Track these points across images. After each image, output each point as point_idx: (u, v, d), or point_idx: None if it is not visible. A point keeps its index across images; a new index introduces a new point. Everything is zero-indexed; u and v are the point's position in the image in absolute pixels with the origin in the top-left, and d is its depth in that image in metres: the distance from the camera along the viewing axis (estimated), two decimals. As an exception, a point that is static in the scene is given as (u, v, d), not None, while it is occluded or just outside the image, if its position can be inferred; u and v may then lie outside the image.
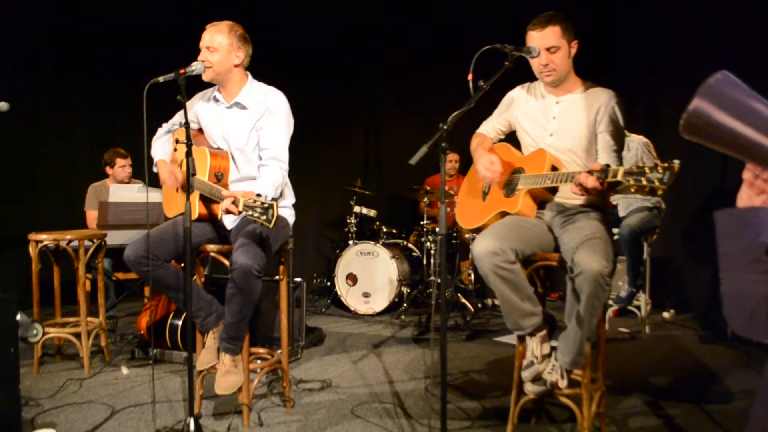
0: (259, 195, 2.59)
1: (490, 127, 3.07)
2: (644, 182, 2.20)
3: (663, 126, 4.95)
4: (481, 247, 2.52)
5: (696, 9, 5.38)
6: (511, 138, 3.05)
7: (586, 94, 2.76)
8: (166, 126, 3.32)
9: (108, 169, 5.22)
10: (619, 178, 2.28)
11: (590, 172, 2.38)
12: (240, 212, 2.61)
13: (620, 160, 2.67)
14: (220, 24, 3.05)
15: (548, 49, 2.67)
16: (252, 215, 2.54)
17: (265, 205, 2.52)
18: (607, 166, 2.35)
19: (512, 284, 2.54)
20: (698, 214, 5.66)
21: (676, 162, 2.14)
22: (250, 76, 3.16)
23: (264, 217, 2.52)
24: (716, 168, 5.42)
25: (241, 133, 3.07)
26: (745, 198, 1.37)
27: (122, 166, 5.18)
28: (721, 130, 1.25)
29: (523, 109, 2.91)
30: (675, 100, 5.51)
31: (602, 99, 2.70)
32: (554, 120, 2.79)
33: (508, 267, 2.51)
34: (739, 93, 1.25)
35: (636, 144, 4.63)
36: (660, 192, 2.17)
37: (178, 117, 3.29)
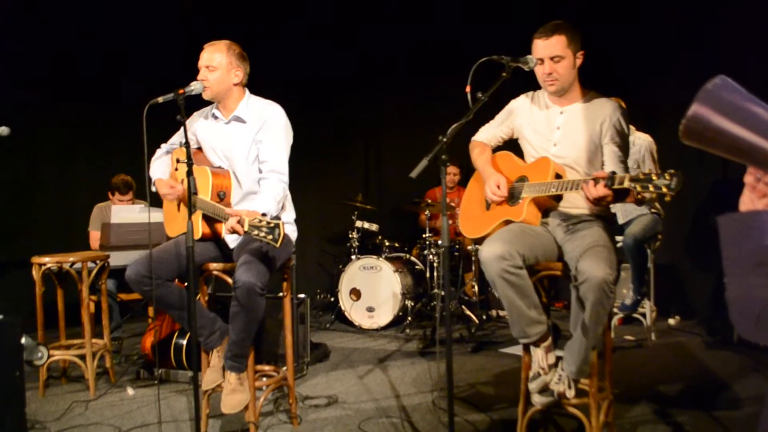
0: (264, 214, 2.57)
1: (490, 135, 3.06)
2: (651, 189, 2.19)
3: (663, 132, 4.95)
4: (489, 251, 2.52)
5: (695, 13, 5.40)
6: (512, 144, 3.05)
7: (590, 104, 2.76)
8: (165, 146, 3.33)
9: (110, 194, 5.22)
10: (626, 185, 2.28)
11: (596, 180, 2.38)
12: (245, 232, 2.58)
13: (627, 170, 2.67)
14: (218, 43, 3.07)
15: (552, 59, 2.66)
16: (258, 235, 2.52)
17: (271, 225, 2.50)
18: (613, 173, 2.36)
19: (519, 290, 2.53)
20: (700, 219, 5.66)
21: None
22: (247, 92, 3.17)
23: (270, 237, 2.50)
24: (717, 173, 5.42)
25: (242, 148, 3.07)
26: (747, 202, 1.37)
27: (120, 200, 5.11)
28: (721, 135, 1.25)
29: (527, 119, 2.90)
30: (675, 106, 5.51)
31: (607, 110, 2.70)
32: (558, 130, 2.79)
33: (516, 272, 2.50)
34: (737, 97, 1.26)
35: (641, 142, 4.65)
36: (668, 198, 2.17)
37: (177, 137, 3.30)
